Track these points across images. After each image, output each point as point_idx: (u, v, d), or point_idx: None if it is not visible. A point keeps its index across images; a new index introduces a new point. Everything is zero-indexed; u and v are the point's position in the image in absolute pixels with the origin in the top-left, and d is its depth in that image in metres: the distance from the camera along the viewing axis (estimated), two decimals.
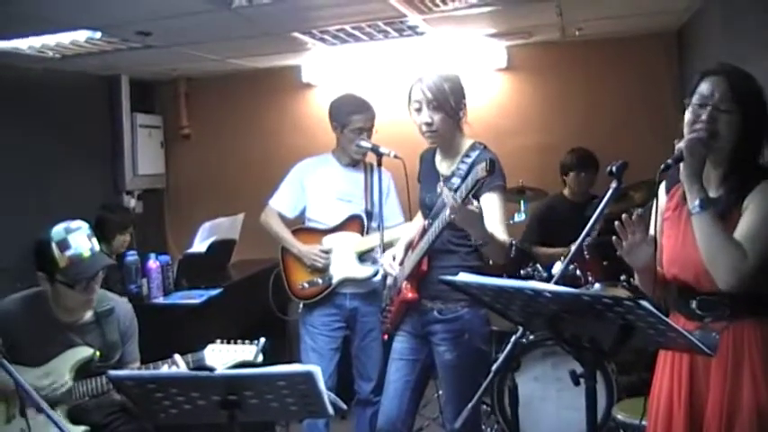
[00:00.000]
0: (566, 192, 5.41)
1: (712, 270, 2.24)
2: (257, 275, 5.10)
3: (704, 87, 2.33)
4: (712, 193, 2.33)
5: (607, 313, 1.88)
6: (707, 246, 2.24)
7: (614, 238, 2.36)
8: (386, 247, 3.67)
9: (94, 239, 3.25)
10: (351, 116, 4.16)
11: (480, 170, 2.81)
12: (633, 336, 1.94)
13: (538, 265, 4.63)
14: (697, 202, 2.26)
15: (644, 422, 2.73)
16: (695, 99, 2.34)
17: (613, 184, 2.32)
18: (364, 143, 4.03)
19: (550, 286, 1.96)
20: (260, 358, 3.12)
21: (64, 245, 3.13)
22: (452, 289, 2.47)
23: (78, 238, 3.17)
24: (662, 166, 2.30)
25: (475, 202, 2.88)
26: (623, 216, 2.37)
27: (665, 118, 5.50)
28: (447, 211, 2.92)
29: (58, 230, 3.16)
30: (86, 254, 3.16)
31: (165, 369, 3.13)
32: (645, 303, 1.77)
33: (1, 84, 4.88)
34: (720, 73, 2.33)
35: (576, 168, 5.30)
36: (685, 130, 2.35)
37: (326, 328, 4.23)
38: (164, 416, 2.51)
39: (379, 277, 3.91)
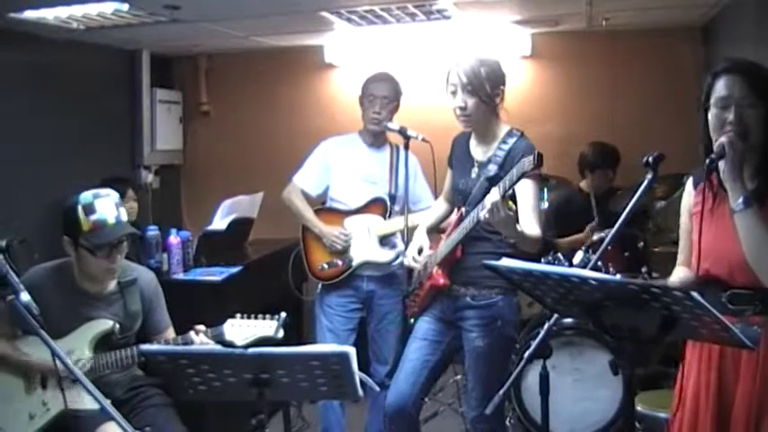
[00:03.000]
0: (583, 184, 5.35)
1: (757, 266, 2.21)
2: (275, 255, 5.10)
3: (721, 88, 2.32)
4: (747, 185, 2.31)
5: (652, 303, 1.87)
6: (752, 243, 2.22)
7: None
8: (409, 231, 3.64)
9: (123, 209, 3.26)
10: (368, 84, 4.17)
11: (528, 163, 2.78)
12: (676, 327, 1.93)
13: (559, 255, 4.61)
14: (741, 200, 2.23)
15: (665, 414, 2.73)
16: (715, 102, 2.33)
17: (649, 176, 2.30)
18: (391, 125, 3.99)
19: (596, 274, 1.94)
20: (281, 334, 3.10)
21: (89, 209, 3.15)
22: (493, 275, 2.45)
23: (105, 205, 3.18)
24: (707, 162, 2.27)
25: (512, 205, 2.86)
26: None
27: (687, 113, 5.38)
28: (483, 213, 2.89)
29: (86, 195, 3.19)
30: (111, 220, 3.17)
31: (194, 339, 3.15)
32: (695, 295, 1.76)
33: (23, 54, 4.85)
34: (733, 70, 2.32)
35: (602, 165, 5.23)
36: (713, 135, 2.33)
37: (342, 309, 4.22)
38: (192, 392, 2.51)
39: (399, 261, 3.88)
